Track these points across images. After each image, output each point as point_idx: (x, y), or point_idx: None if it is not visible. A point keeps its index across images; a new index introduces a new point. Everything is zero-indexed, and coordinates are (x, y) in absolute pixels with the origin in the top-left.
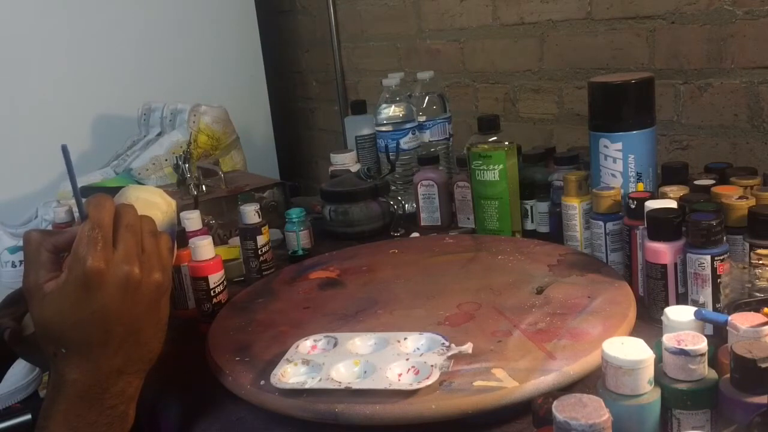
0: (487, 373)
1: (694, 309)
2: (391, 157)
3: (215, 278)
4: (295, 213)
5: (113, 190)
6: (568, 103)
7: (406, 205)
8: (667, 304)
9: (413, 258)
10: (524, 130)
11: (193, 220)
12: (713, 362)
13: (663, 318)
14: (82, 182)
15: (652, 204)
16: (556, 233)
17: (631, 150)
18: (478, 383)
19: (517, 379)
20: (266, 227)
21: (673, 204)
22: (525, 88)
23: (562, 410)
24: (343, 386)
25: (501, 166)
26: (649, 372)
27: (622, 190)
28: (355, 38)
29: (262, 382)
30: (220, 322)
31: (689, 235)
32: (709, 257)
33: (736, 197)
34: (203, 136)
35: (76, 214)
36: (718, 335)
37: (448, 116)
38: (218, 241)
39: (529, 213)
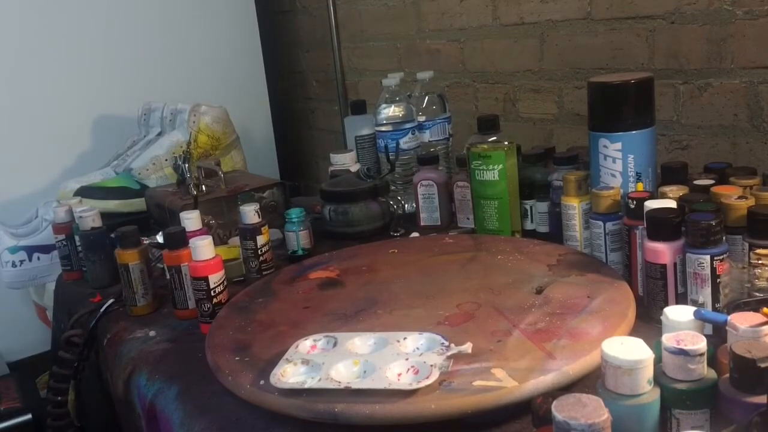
0: (486, 373)
1: (693, 309)
2: (390, 157)
3: (215, 278)
4: (294, 213)
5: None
6: (568, 103)
7: (406, 205)
8: (667, 304)
9: (413, 258)
10: (524, 130)
11: (192, 220)
12: (712, 362)
13: (662, 318)
14: (82, 182)
15: (651, 204)
16: (556, 233)
17: (631, 150)
18: (477, 383)
19: (517, 378)
20: (266, 227)
21: (672, 204)
22: (525, 88)
23: (561, 410)
24: (342, 386)
25: (500, 166)
26: (649, 372)
27: (621, 190)
28: (355, 38)
29: (262, 382)
30: (219, 322)
31: (689, 235)
32: (708, 257)
33: (736, 197)
34: (203, 136)
35: (76, 215)
36: (718, 335)
37: (448, 116)
38: (218, 241)
39: (529, 213)
